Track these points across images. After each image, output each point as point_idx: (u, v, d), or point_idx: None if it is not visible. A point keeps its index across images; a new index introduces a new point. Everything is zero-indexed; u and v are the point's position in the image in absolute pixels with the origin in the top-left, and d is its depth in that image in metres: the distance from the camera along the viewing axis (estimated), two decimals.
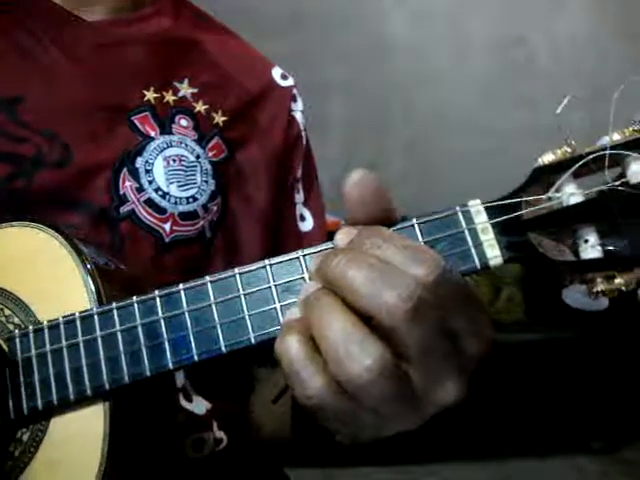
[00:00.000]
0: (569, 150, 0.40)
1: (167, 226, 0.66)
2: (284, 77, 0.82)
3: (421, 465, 2.34)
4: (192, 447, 0.68)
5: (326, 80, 3.05)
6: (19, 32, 0.68)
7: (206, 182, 0.69)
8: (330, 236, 0.83)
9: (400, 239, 0.40)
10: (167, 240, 0.66)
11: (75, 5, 0.71)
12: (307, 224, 0.80)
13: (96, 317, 0.49)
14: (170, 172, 0.67)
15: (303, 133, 0.81)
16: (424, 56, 3.14)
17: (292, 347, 0.40)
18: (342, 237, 0.43)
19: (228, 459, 0.70)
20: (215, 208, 0.70)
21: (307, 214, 0.80)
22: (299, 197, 0.80)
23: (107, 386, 0.48)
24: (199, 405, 0.69)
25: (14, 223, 0.55)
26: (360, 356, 0.37)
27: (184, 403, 0.68)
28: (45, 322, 0.50)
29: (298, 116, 0.81)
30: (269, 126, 0.77)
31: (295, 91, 0.82)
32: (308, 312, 0.41)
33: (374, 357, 0.37)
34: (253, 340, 0.45)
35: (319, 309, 0.40)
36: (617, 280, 0.38)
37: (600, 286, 0.39)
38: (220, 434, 0.70)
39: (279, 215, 0.77)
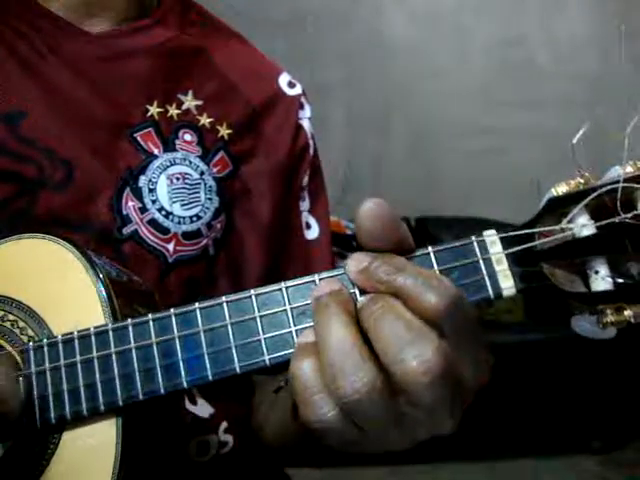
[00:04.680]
0: (582, 181, 0.41)
1: (170, 246, 0.65)
2: (291, 85, 0.80)
3: (417, 465, 2.34)
4: (196, 450, 0.68)
5: (326, 80, 3.05)
6: (21, 45, 0.67)
7: (210, 200, 0.69)
8: (331, 237, 0.83)
9: (412, 268, 0.41)
10: (171, 260, 0.65)
11: (77, 16, 0.69)
12: (313, 232, 0.79)
13: (111, 333, 0.49)
14: (174, 191, 0.66)
15: (311, 141, 0.80)
16: (424, 56, 3.14)
17: (305, 372, 0.41)
18: (354, 264, 0.43)
19: (232, 462, 0.71)
20: (219, 225, 0.69)
21: (313, 222, 0.80)
22: (305, 205, 0.79)
23: (120, 403, 0.48)
24: (203, 408, 0.70)
25: (27, 235, 0.55)
26: (352, 375, 0.39)
27: (189, 406, 0.68)
28: (59, 336, 0.50)
29: (305, 124, 0.79)
30: (275, 137, 0.76)
31: (303, 99, 0.80)
32: (316, 311, 0.42)
33: (364, 381, 0.39)
34: (268, 362, 0.45)
35: (326, 314, 0.41)
36: (626, 312, 0.39)
37: (610, 317, 0.39)
38: (226, 437, 0.70)
39: (285, 224, 0.77)
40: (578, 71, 3.12)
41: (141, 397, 0.47)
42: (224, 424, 0.71)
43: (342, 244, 2.97)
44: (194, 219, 0.67)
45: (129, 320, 0.49)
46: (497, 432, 2.48)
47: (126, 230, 0.64)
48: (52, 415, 0.49)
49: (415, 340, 0.39)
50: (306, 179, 0.79)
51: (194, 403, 0.69)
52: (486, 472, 2.47)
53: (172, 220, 0.66)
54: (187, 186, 0.67)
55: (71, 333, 0.50)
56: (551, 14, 3.15)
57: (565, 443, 2.56)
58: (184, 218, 0.67)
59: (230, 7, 2.64)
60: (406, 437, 0.43)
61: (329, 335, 0.41)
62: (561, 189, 0.41)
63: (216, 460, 0.69)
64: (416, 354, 0.39)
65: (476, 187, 3.10)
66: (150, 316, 0.48)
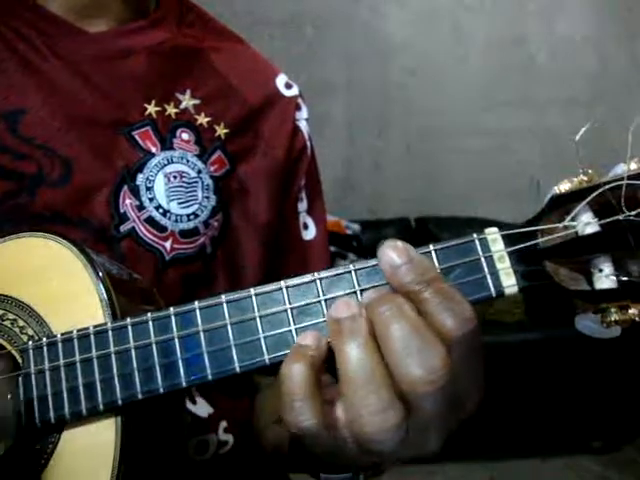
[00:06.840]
0: (585, 179, 0.40)
1: (167, 244, 0.66)
2: (288, 86, 0.80)
3: (419, 465, 2.34)
4: (195, 449, 0.69)
5: (326, 80, 3.05)
6: (21, 45, 0.67)
7: (207, 198, 0.69)
8: (330, 238, 0.83)
9: (438, 283, 0.41)
10: (168, 258, 0.66)
11: (76, 17, 0.69)
12: (310, 232, 0.80)
13: (110, 333, 0.48)
14: (171, 189, 0.67)
15: (308, 143, 0.80)
16: (424, 56, 3.14)
17: (296, 376, 0.41)
18: (389, 259, 0.43)
19: (231, 461, 0.71)
20: (216, 224, 0.69)
21: (310, 222, 0.80)
22: (302, 206, 0.80)
23: (120, 402, 0.48)
24: (202, 407, 0.70)
25: (27, 234, 0.55)
26: (377, 408, 0.40)
27: (188, 405, 0.68)
28: (59, 335, 0.50)
29: (302, 125, 0.80)
30: (272, 138, 0.76)
31: (300, 100, 0.81)
32: (337, 331, 0.42)
33: (395, 418, 0.40)
34: (267, 361, 0.45)
35: (352, 335, 0.41)
36: (631, 310, 0.39)
37: (614, 316, 0.39)
38: (225, 437, 0.71)
39: (282, 225, 0.77)
40: (578, 71, 3.12)
41: (140, 396, 0.47)
42: (224, 424, 0.71)
43: (342, 244, 2.98)
44: (191, 217, 0.67)
45: (128, 319, 0.48)
46: (497, 432, 2.48)
47: (123, 228, 0.65)
48: (52, 415, 0.49)
49: (424, 348, 0.39)
50: (304, 180, 0.79)
51: (194, 402, 0.69)
52: (486, 472, 2.47)
53: (169, 218, 0.66)
54: (184, 184, 0.68)
55: (70, 332, 0.50)
56: (551, 14, 3.15)
57: (565, 443, 2.55)
58: (181, 216, 0.67)
59: (229, 7, 2.65)
60: (392, 454, 0.43)
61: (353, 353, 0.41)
62: (564, 187, 0.40)
63: (215, 459, 0.69)
64: (424, 362, 0.39)
65: (476, 187, 3.10)
66: (149, 315, 0.48)
